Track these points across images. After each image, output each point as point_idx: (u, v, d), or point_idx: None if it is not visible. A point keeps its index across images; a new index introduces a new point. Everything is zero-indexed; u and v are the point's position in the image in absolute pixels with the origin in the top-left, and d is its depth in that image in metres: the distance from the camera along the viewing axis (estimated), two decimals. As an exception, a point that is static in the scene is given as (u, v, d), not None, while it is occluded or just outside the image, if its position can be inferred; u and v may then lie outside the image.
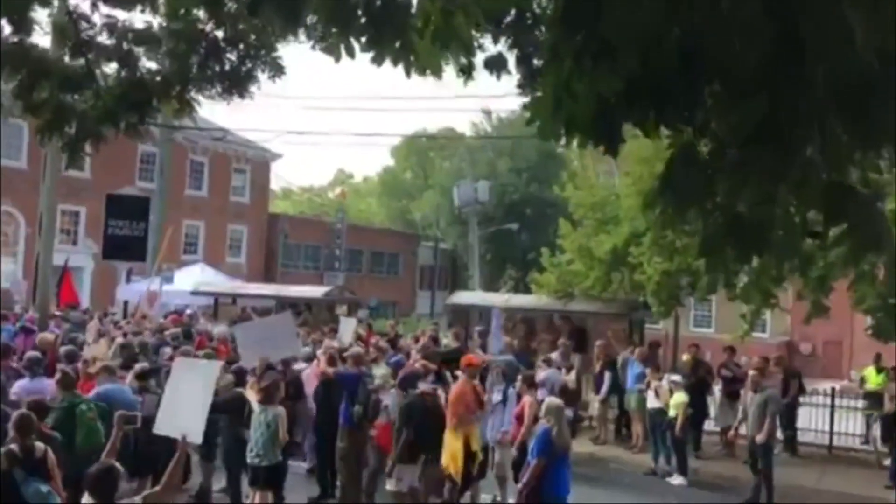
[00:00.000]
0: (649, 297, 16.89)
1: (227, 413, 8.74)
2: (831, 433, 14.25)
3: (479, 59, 6.23)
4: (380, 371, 10.19)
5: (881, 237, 2.65)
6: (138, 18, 6.87)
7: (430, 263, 46.73)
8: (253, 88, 7.42)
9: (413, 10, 3.70)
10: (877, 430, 13.44)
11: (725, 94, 2.41)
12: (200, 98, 7.27)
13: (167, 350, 11.57)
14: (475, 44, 5.92)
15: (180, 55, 6.78)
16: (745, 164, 2.39)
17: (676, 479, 11.96)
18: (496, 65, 6.39)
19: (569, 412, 11.03)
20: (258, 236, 38.57)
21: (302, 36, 6.13)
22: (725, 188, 2.51)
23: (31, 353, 9.26)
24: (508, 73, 6.59)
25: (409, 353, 12.96)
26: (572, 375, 13.42)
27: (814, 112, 2.31)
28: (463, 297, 22.06)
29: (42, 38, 6.82)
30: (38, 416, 6.24)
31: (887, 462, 12.30)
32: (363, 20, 3.62)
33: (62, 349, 10.84)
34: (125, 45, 6.78)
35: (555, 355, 14.19)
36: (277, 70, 7.35)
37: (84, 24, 6.63)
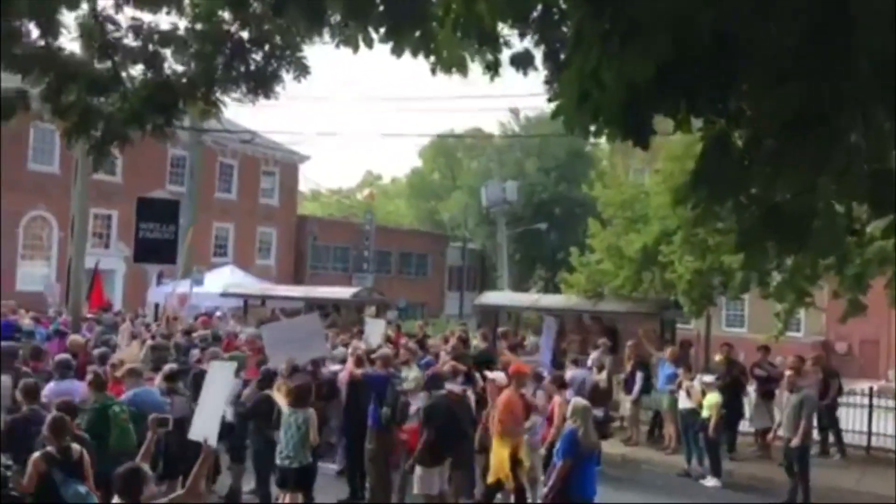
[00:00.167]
0: (680, 297, 16.69)
1: (255, 417, 8.77)
2: (869, 434, 13.95)
3: (506, 56, 6.16)
4: (412, 373, 10.14)
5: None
6: (164, 20, 6.87)
7: (459, 264, 46.66)
8: (278, 89, 7.39)
9: (433, -1, 3.63)
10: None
11: (762, 79, 2.28)
12: (226, 99, 7.26)
13: (195, 352, 11.62)
14: (501, 40, 5.85)
15: (206, 56, 6.77)
16: (784, 153, 2.26)
17: (710, 481, 11.77)
18: (523, 61, 6.28)
19: (599, 412, 10.91)
20: (287, 238, 38.76)
21: (326, 35, 6.10)
22: (763, 178, 2.39)
23: (60, 356, 9.33)
24: (535, 69, 6.48)
25: (437, 354, 12.90)
26: (603, 375, 13.29)
27: (858, 96, 2.17)
28: (492, 298, 22.00)
29: (69, 42, 6.85)
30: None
31: (929, 463, 12.01)
32: (381, 9, 3.55)
33: (95, 351, 10.94)
34: (151, 47, 6.77)
35: (594, 354, 14.05)
36: (302, 70, 7.30)
37: (110, 27, 6.63)
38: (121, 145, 6.76)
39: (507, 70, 6.20)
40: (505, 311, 20.38)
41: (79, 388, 8.22)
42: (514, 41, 6.21)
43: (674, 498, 11.19)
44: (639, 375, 13.88)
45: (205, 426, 5.56)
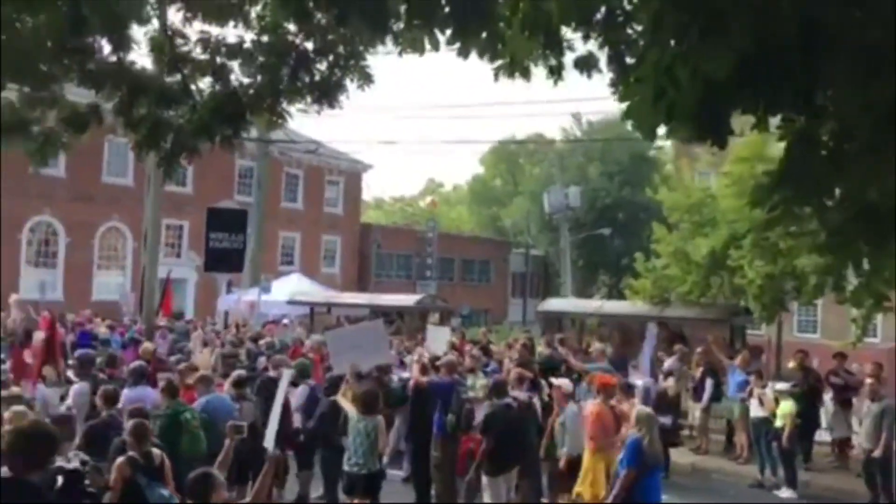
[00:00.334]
0: (751, 302, 16.28)
1: (323, 425, 8.84)
2: (956, 445, 13.31)
3: (569, 59, 6.07)
4: (479, 382, 10.08)
5: None
6: (231, 33, 6.99)
7: (522, 270, 46.37)
8: (342, 98, 7.44)
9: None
10: None
11: (853, 72, 2.16)
12: (292, 110, 7.34)
13: (262, 359, 11.80)
14: (564, 44, 5.76)
15: (272, 68, 6.86)
16: (878, 148, 2.14)
17: (785, 492, 11.39)
18: (586, 64, 6.17)
19: (667, 420, 10.67)
20: (351, 246, 39.18)
21: (390, 43, 6.12)
22: (855, 176, 2.26)
23: (134, 364, 9.58)
24: (599, 71, 6.37)
25: (501, 361, 12.81)
26: (671, 382, 12.99)
27: (956, 88, 2.04)
28: (555, 304, 21.87)
29: (140, 57, 7.02)
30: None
31: None
32: (446, 10, 3.51)
33: (171, 358, 11.21)
34: (218, 60, 6.89)
35: (669, 361, 13.76)
36: (366, 79, 7.33)
37: (179, 41, 6.77)
38: (190, 157, 6.87)
39: (567, 74, 6.12)
40: (568, 317, 20.20)
41: (151, 395, 8.40)
42: (578, 45, 6.13)
43: (748, 509, 10.88)
44: (708, 383, 13.54)
45: (268, 432, 5.66)
